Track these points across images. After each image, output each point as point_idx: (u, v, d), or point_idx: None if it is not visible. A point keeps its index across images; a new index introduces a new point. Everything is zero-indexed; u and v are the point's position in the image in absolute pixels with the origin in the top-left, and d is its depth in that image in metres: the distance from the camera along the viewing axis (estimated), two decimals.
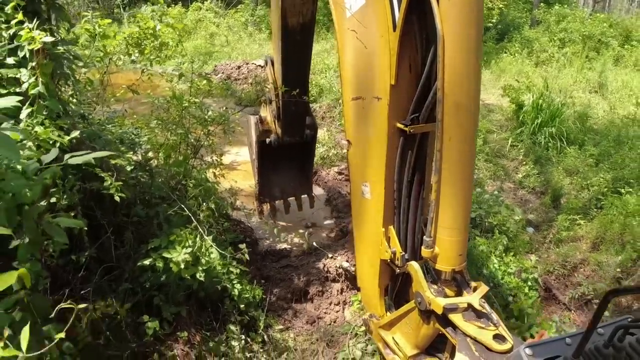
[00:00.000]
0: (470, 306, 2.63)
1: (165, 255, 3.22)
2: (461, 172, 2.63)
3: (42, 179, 2.39)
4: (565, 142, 9.25)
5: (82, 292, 3.52)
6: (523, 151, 9.10)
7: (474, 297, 2.69)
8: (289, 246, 5.71)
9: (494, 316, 2.57)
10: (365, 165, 3.13)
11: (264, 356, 3.87)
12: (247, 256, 3.66)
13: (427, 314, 2.80)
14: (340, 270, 4.80)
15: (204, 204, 3.87)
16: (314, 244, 5.44)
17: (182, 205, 3.66)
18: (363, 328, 4.19)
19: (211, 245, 3.44)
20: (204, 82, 4.71)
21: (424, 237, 2.76)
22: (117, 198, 3.08)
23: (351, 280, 4.78)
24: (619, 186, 7.05)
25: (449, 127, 2.53)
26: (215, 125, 4.95)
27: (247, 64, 13.39)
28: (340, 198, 6.90)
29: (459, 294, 2.78)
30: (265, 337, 4.03)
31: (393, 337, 3.23)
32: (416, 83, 2.79)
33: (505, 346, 2.38)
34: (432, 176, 2.64)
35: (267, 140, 5.74)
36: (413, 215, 3.04)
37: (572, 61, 17.92)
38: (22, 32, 2.74)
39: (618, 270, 5.33)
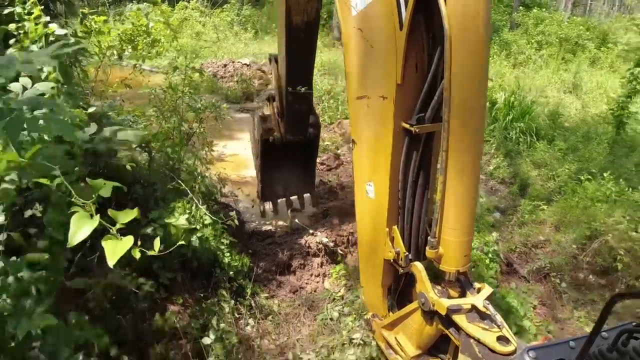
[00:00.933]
0: (474, 307, 2.64)
1: (167, 220, 3.64)
2: (467, 173, 2.61)
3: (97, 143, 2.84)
4: (535, 138, 9.83)
5: (88, 259, 3.95)
6: (495, 145, 9.65)
7: (478, 298, 2.69)
8: (274, 227, 6.16)
9: (498, 318, 2.58)
10: (370, 165, 3.11)
11: (251, 318, 4.32)
12: (236, 222, 4.09)
13: (430, 315, 2.81)
14: (320, 246, 5.26)
15: (199, 178, 4.30)
16: (296, 220, 5.86)
17: (179, 180, 4.10)
18: (340, 294, 4.67)
19: (205, 213, 3.88)
20: (197, 74, 5.14)
21: (429, 237, 2.75)
22: (128, 167, 3.49)
23: (330, 254, 5.24)
24: (581, 175, 7.61)
25: (455, 127, 2.51)
26: (207, 113, 5.38)
27: (232, 62, 13.78)
28: (321, 185, 7.38)
29: (462, 295, 2.79)
30: (252, 302, 4.48)
31: (395, 337, 3.26)
32: (422, 82, 2.77)
33: (509, 348, 2.39)
34: (437, 176, 2.63)
35: (270, 138, 5.79)
36: (417, 216, 3.00)
37: (549, 63, 18.66)
38: (38, 27, 3.15)
39: (574, 246, 5.87)
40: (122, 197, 4.33)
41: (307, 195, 6.55)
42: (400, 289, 3.42)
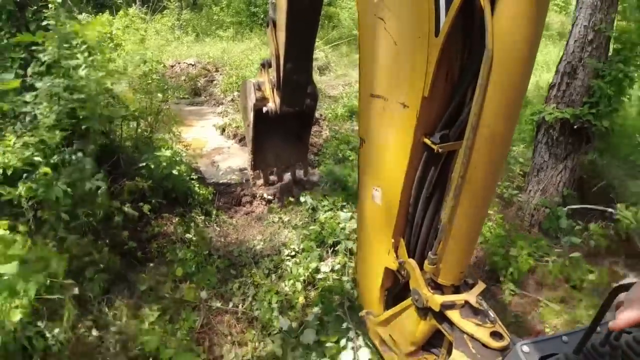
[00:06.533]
0: (467, 303, 2.64)
1: (157, 154, 5.49)
2: (479, 201, 2.51)
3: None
4: None
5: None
6: None
7: (471, 294, 2.70)
8: (228, 180, 8.01)
9: (491, 313, 2.59)
10: (380, 170, 2.93)
11: (217, 227, 6.25)
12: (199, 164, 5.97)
13: (424, 311, 2.80)
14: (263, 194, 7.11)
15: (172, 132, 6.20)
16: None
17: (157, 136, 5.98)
18: (277, 206, 6.64)
19: (180, 149, 5.77)
20: (161, 65, 6.99)
21: (429, 253, 2.69)
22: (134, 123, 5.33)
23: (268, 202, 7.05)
24: None
25: (478, 156, 2.33)
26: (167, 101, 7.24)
27: (179, 63, 15.35)
28: None
29: (456, 291, 2.78)
30: (217, 219, 6.40)
31: (390, 334, 3.25)
32: (451, 94, 2.48)
33: (502, 343, 2.40)
34: (448, 198, 2.50)
35: (264, 109, 5.64)
36: (426, 231, 2.86)
37: None
38: None
39: None
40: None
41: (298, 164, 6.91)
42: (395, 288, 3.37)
